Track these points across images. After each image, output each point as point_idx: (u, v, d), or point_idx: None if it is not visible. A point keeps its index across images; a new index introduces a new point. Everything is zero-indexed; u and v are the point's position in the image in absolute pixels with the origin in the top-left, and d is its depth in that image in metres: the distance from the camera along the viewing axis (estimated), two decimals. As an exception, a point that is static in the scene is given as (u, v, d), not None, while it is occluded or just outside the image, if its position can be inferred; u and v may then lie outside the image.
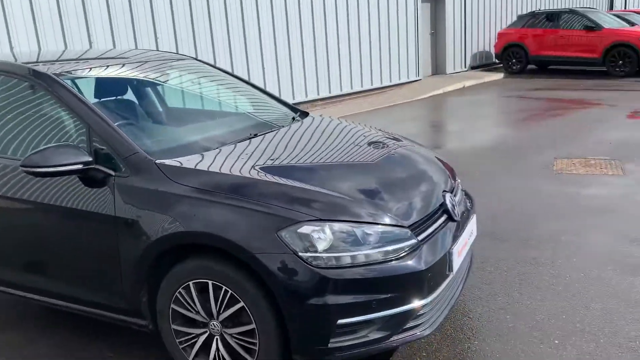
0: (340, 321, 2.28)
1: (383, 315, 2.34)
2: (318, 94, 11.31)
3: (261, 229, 2.30)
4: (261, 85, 9.98)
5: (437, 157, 3.25)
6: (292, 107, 3.88)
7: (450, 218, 2.74)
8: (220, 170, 2.57)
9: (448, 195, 2.80)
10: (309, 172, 2.68)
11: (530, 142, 7.04)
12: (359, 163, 2.90)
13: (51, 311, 3.35)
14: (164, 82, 3.65)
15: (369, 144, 3.18)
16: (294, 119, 3.57)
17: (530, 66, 14.69)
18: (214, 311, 2.43)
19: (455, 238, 2.67)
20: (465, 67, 15.44)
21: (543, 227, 4.22)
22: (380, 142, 3.23)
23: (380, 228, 2.40)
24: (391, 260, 2.36)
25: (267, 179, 2.51)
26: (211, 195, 2.41)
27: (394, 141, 3.29)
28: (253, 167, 2.61)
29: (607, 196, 4.82)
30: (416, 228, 2.50)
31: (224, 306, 2.39)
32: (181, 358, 2.58)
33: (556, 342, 2.77)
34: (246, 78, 9.64)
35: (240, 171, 2.56)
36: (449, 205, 2.76)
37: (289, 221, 2.29)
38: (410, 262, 2.38)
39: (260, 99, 3.94)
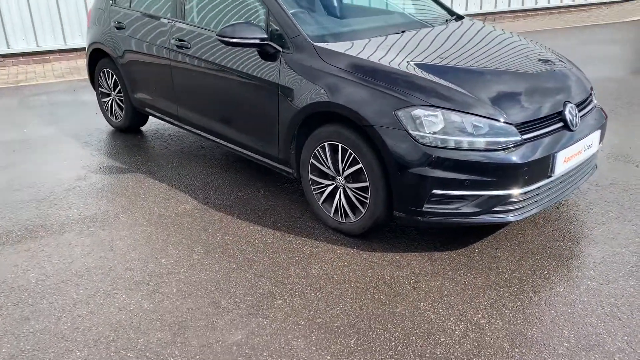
0: (435, 191, 2.75)
1: (475, 195, 2.76)
2: (509, 6, 10.81)
3: (383, 106, 2.81)
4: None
5: (574, 71, 3.36)
6: (450, 11, 4.13)
7: (567, 127, 2.95)
8: (363, 56, 3.09)
9: (569, 106, 2.98)
10: (440, 67, 3.06)
11: None
12: (492, 66, 3.18)
13: (229, 154, 4.35)
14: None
15: (509, 51, 3.40)
16: (447, 21, 3.87)
17: None
18: (340, 168, 3.06)
19: (565, 145, 2.89)
20: (699, -12, 13.13)
21: (697, 163, 4.03)
22: (521, 51, 3.42)
23: (487, 121, 2.75)
24: (492, 150, 2.72)
25: (399, 68, 2.96)
26: (350, 75, 2.96)
27: (537, 51, 3.45)
28: (392, 57, 3.08)
29: None
30: (524, 127, 2.79)
31: (347, 165, 3.01)
32: (313, 201, 3.31)
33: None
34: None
35: (379, 59, 3.05)
36: (567, 116, 2.95)
37: (406, 103, 2.77)
38: (508, 155, 2.72)
39: (421, 1, 4.26)
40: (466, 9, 10.40)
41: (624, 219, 3.30)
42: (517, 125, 2.78)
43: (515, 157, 2.72)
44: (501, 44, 3.49)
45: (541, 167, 2.82)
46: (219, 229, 3.31)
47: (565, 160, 2.91)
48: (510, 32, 3.77)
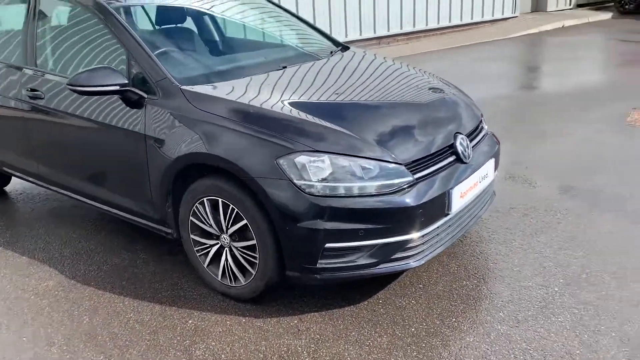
0: (328, 245, 2.46)
1: (371, 244, 2.50)
2: (401, 28, 11.04)
3: (264, 155, 2.50)
4: (318, 17, 9.94)
5: (462, 98, 3.24)
6: (335, 41, 3.94)
7: (459, 160, 2.78)
8: (239, 99, 2.77)
9: (460, 138, 2.83)
10: (324, 106, 2.81)
11: (613, 89, 6.56)
12: (380, 101, 2.98)
13: (105, 213, 3.85)
14: (207, 11, 3.85)
15: (396, 82, 3.23)
16: (332, 52, 3.66)
17: (646, 5, 13.22)
18: (224, 226, 2.71)
19: (460, 180, 2.72)
20: (570, 4, 14.21)
21: (589, 178, 4.07)
22: (408, 81, 3.26)
23: (376, 163, 2.51)
24: (383, 194, 2.48)
25: (280, 111, 2.67)
26: (225, 122, 2.63)
27: (425, 81, 3.31)
28: (272, 98, 2.79)
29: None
30: (415, 165, 2.58)
31: (231, 221, 2.66)
32: (198, 264, 2.91)
33: (556, 289, 2.79)
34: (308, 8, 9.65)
35: (257, 102, 2.75)
36: (459, 148, 2.79)
37: (287, 150, 2.47)
38: (401, 198, 2.49)
39: (302, 31, 4.03)
40: (360, 34, 10.48)
41: (527, 247, 3.18)
42: (408, 165, 2.57)
43: (409, 199, 2.50)
44: (388, 75, 3.32)
45: (437, 206, 2.62)
46: (87, 309, 2.82)
47: (462, 195, 2.74)
48: (396, 61, 3.62)
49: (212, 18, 3.92)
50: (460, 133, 2.87)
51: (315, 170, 2.45)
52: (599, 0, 14.58)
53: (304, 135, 2.54)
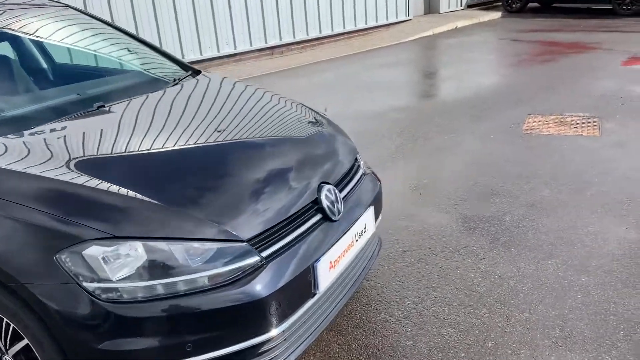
0: (144, 370, 1.75)
1: (210, 358, 1.81)
2: (294, 37, 10.46)
3: (36, 250, 1.73)
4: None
5: (331, 136, 2.61)
6: (184, 65, 3.22)
7: (326, 217, 2.17)
8: (4, 165, 1.96)
9: (327, 189, 2.20)
10: (132, 166, 2.08)
11: (508, 93, 6.31)
12: (213, 149, 2.28)
13: None
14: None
15: (243, 120, 2.54)
16: (176, 80, 2.93)
17: (532, 4, 13.57)
18: (2, 346, 1.91)
19: (328, 246, 2.10)
20: (462, 5, 14.31)
21: (488, 204, 3.63)
22: (261, 117, 2.60)
23: (206, 245, 1.82)
24: (220, 287, 1.80)
25: (62, 179, 1.90)
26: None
27: (286, 116, 2.66)
28: (60, 160, 2.02)
29: (570, 164, 4.18)
30: (263, 240, 1.92)
31: (8, 341, 1.88)
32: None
33: (457, 368, 2.25)
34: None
35: (32, 167, 1.96)
36: (325, 202, 2.17)
37: (72, 239, 1.72)
38: (246, 288, 1.82)
39: (141, 55, 3.27)
40: (251, 45, 9.79)
41: (422, 309, 2.63)
42: (254, 240, 1.89)
43: (258, 288, 1.83)
44: (238, 112, 2.63)
45: (300, 288, 1.99)
46: None
47: (332, 266, 2.12)
48: (257, 90, 2.94)
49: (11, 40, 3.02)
50: (326, 183, 2.24)
51: (116, 266, 1.73)
52: (487, 0, 14.83)
53: (99, 213, 1.80)
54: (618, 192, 3.68)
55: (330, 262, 2.10)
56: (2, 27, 2.85)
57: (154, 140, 2.24)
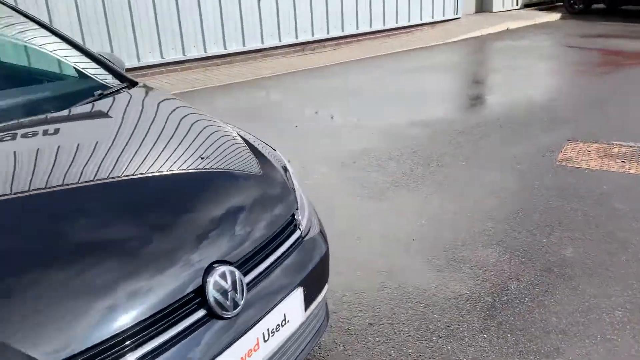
0: None
1: None
2: (327, 33, 9.81)
3: None
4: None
5: (257, 181, 1.96)
6: (119, 75, 2.65)
7: (213, 314, 1.55)
8: None
9: (219, 273, 1.55)
10: None
11: (550, 111, 5.47)
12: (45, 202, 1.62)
13: None
14: None
15: (128, 155, 1.89)
16: (101, 94, 2.37)
17: (597, 5, 12.35)
18: None
19: (212, 353, 1.49)
20: (517, 4, 13.24)
21: (487, 262, 2.91)
22: (153, 149, 1.95)
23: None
24: None
25: None
26: None
27: (190, 148, 2.02)
28: None
29: (607, 213, 3.38)
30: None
31: None
32: None
33: None
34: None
35: None
36: (211, 294, 1.54)
37: None
38: None
39: (64, 61, 2.72)
40: (280, 40, 9.22)
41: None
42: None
43: None
44: (132, 141, 1.99)
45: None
46: None
47: (217, 385, 1.51)
48: (189, 114, 2.33)
49: None
50: (223, 262, 1.61)
51: None
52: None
53: None
54: (664, 259, 2.89)
55: (214, 380, 1.49)
56: None
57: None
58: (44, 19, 6.76)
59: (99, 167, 1.80)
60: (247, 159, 2.05)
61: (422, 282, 2.78)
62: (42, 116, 2.15)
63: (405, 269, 2.89)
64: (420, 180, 4.00)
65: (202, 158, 1.97)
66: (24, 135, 1.99)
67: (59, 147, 1.93)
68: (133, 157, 1.89)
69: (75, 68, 2.71)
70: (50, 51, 2.70)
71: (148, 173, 1.83)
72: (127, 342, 1.37)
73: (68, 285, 1.36)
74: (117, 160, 1.85)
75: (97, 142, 1.98)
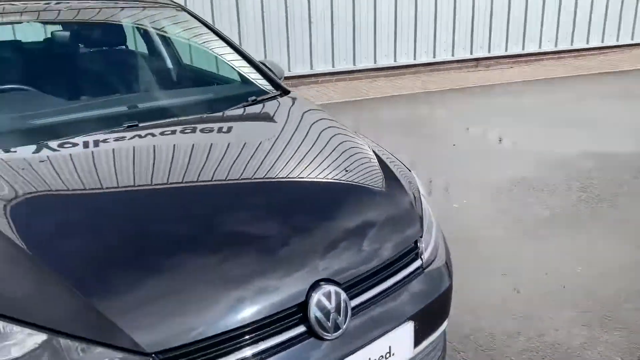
0: None
1: None
2: (506, 50, 9.30)
3: None
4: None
5: (383, 202, 1.88)
6: (275, 83, 2.77)
7: (312, 333, 1.51)
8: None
9: (323, 292, 1.52)
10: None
11: None
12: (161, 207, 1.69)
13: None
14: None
15: (255, 164, 1.93)
16: (255, 100, 2.50)
17: None
18: None
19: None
20: None
21: (660, 331, 2.45)
22: (288, 160, 1.97)
23: (96, 350, 1.33)
24: None
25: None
26: None
27: (322, 164, 2.00)
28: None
29: None
30: (181, 357, 1.36)
31: None
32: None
33: None
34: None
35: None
36: (313, 311, 1.50)
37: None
38: None
39: (230, 65, 2.90)
40: (453, 54, 8.97)
41: None
42: (159, 354, 1.33)
43: None
44: (269, 150, 2.03)
45: None
46: None
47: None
48: (329, 126, 2.33)
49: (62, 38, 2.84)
50: (330, 281, 1.57)
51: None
52: None
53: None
54: None
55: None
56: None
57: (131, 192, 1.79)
58: (235, 32, 7.42)
59: (245, 167, 1.91)
60: (375, 178, 1.99)
61: (564, 337, 2.44)
62: (199, 116, 2.32)
63: (547, 319, 2.57)
64: (585, 221, 3.55)
65: (332, 171, 1.96)
66: (182, 132, 2.17)
67: (211, 144, 2.09)
68: (275, 162, 1.96)
69: (239, 73, 2.89)
70: (220, 55, 2.93)
71: (282, 178, 1.89)
72: (232, 342, 1.39)
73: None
74: (262, 163, 1.94)
75: (244, 144, 2.10)
